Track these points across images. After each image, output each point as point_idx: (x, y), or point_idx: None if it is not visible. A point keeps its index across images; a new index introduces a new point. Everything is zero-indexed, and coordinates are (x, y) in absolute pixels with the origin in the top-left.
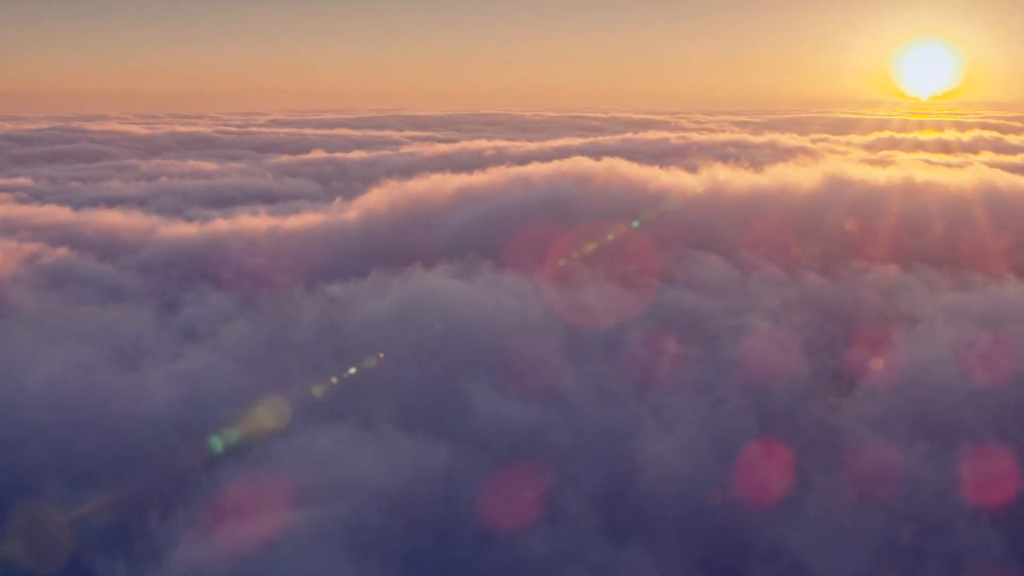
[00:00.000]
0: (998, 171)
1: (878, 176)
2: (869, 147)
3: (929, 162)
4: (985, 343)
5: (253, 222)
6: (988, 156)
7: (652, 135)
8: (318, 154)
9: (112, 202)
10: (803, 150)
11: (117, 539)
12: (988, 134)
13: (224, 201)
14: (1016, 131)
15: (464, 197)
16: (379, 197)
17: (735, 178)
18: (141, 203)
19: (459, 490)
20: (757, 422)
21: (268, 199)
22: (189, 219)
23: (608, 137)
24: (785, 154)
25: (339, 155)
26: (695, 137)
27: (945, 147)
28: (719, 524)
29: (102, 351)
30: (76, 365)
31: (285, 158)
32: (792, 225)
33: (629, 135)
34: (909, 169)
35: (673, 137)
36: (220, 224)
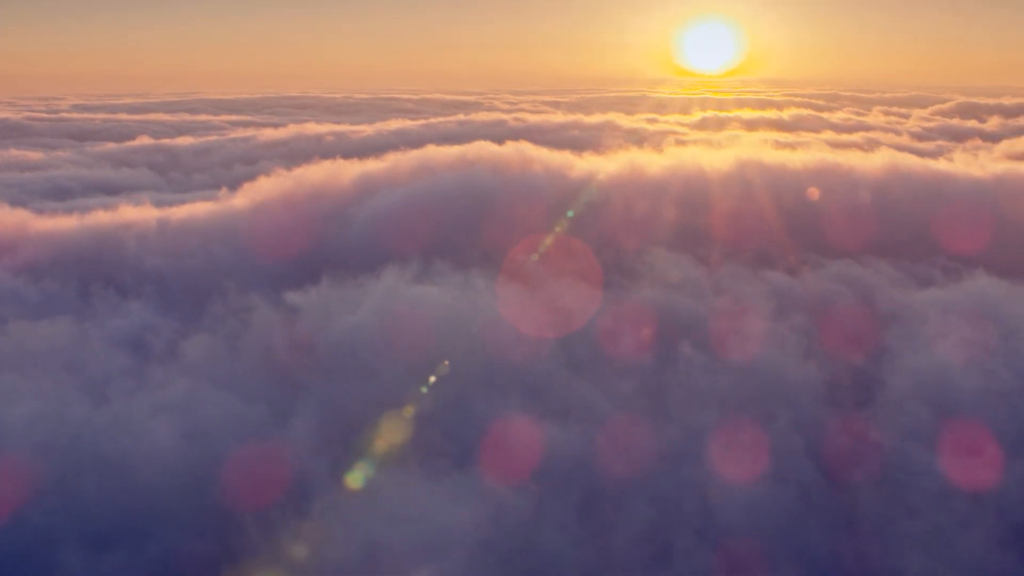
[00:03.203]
0: (906, 154)
1: (795, 161)
2: (700, 126)
3: (780, 143)
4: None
5: (137, 214)
6: (829, 135)
7: (484, 117)
8: (144, 141)
9: None
10: (644, 131)
11: None
12: (806, 112)
13: (64, 193)
14: (828, 109)
15: (371, 187)
16: (273, 188)
17: (651, 164)
18: None
19: (549, 533)
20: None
21: (109, 190)
22: (38, 213)
23: (441, 119)
24: (634, 135)
25: (166, 142)
26: (531, 119)
27: (778, 126)
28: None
29: (61, 379)
30: (44, 398)
31: (111, 146)
32: (735, 214)
33: (462, 117)
34: (821, 153)
35: (509, 119)
36: (102, 216)
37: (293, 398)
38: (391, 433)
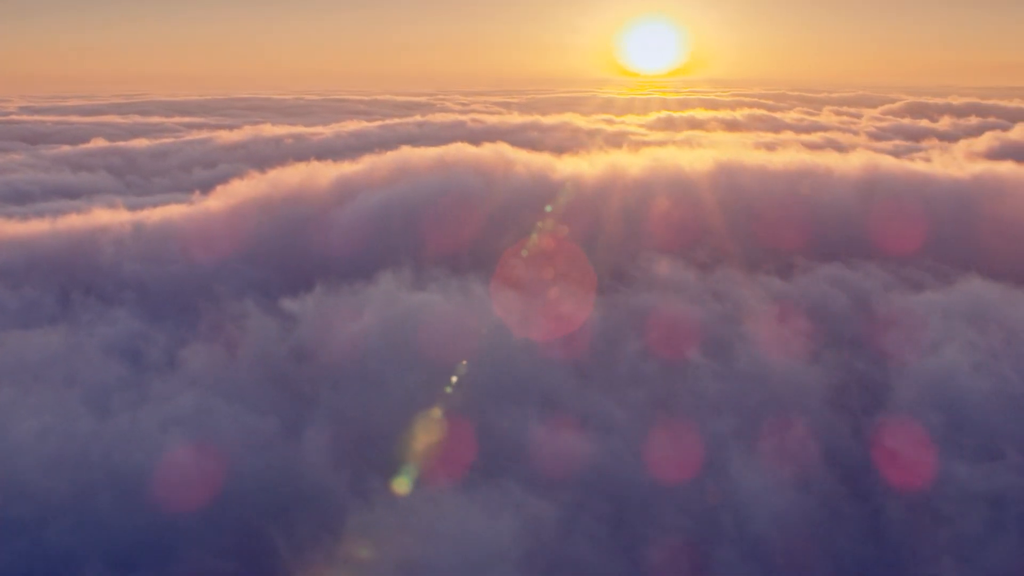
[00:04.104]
0: (885, 156)
1: (776, 163)
2: (657, 127)
3: (759, 144)
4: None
5: (111, 218)
6: (789, 135)
7: (442, 118)
8: (100, 143)
9: None
10: (603, 132)
11: None
12: (759, 112)
13: (23, 197)
14: (780, 109)
15: (351, 190)
16: (249, 190)
17: (632, 165)
18: None
19: (584, 545)
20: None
21: (69, 194)
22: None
23: (399, 121)
24: (594, 136)
25: (121, 144)
26: (490, 120)
27: (734, 126)
28: None
29: (62, 392)
30: (49, 413)
31: (66, 149)
32: (722, 217)
33: (419, 118)
34: (800, 155)
35: (467, 120)
36: (76, 220)
37: (304, 410)
38: (412, 445)
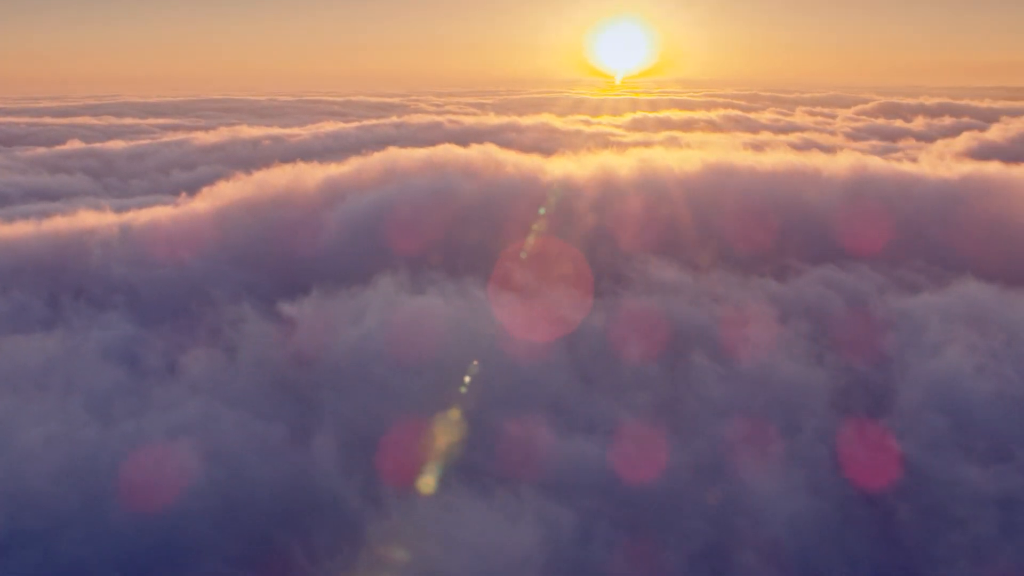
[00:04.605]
0: (872, 157)
1: (764, 164)
2: (633, 127)
3: (748, 144)
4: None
5: (97, 220)
6: (767, 136)
7: (419, 119)
8: (76, 145)
9: None
10: (582, 133)
11: None
12: (734, 112)
13: (1, 199)
14: (754, 110)
15: (341, 191)
16: (237, 192)
17: (621, 166)
18: None
19: (602, 553)
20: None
21: (47, 196)
22: None
23: (376, 122)
24: (573, 137)
25: (98, 146)
26: (467, 121)
27: (711, 127)
28: None
29: (62, 398)
30: (52, 420)
31: (42, 151)
32: (714, 218)
33: (395, 119)
34: (789, 156)
35: (444, 121)
36: (62, 223)
37: (310, 416)
38: (424, 451)
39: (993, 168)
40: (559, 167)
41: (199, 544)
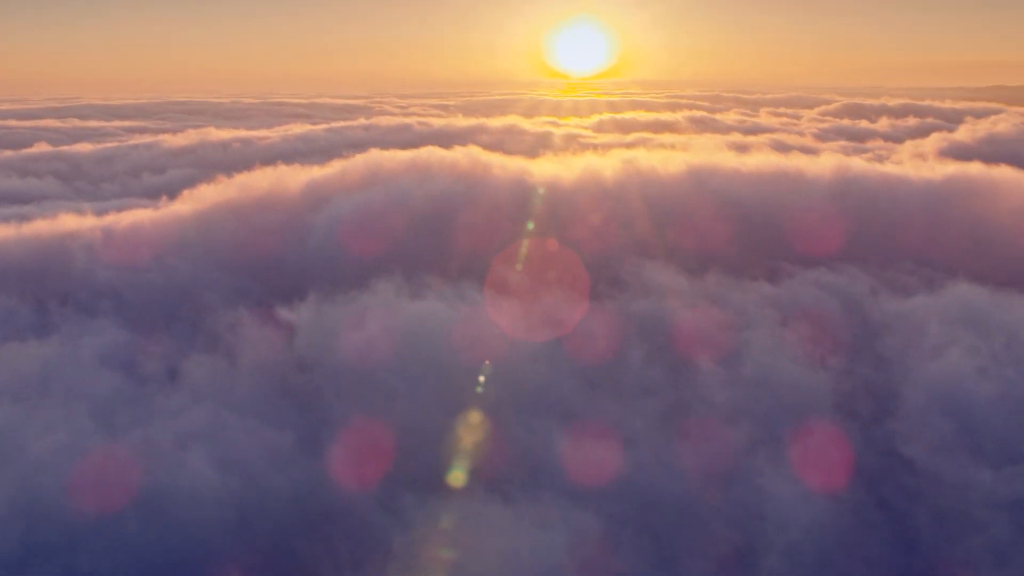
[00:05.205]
0: (855, 159)
1: (749, 166)
2: (601, 129)
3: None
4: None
5: (75, 223)
6: (737, 137)
7: (388, 121)
8: (43, 148)
9: None
10: (552, 135)
11: None
12: (699, 114)
13: None
14: (718, 111)
15: (326, 194)
16: (220, 195)
17: (607, 168)
18: None
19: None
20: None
21: (18, 200)
22: None
23: (344, 124)
24: (549, 138)
25: (65, 149)
26: (436, 123)
27: (677, 128)
28: None
29: (66, 406)
30: (59, 429)
31: (9, 154)
32: (704, 222)
33: (364, 121)
34: (773, 158)
35: (414, 123)
36: (43, 227)
37: (320, 423)
38: (440, 457)
39: (976, 169)
40: (546, 169)
41: (219, 555)
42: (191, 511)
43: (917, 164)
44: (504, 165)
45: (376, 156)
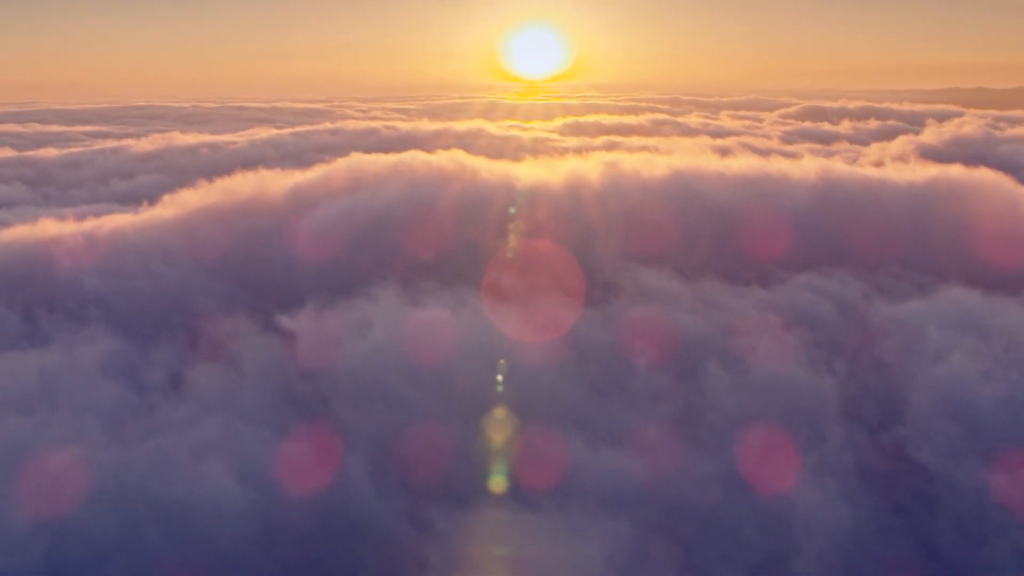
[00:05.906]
0: (836, 161)
1: (733, 170)
2: (567, 132)
3: (716, 148)
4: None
5: (60, 229)
6: (706, 140)
7: (354, 125)
8: (8, 153)
9: None
10: (519, 139)
11: None
12: (662, 116)
13: None
14: (680, 114)
15: (311, 199)
16: (203, 200)
17: (591, 171)
18: None
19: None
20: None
21: None
22: None
23: (310, 128)
24: (517, 142)
25: (30, 154)
26: (403, 127)
27: (643, 131)
28: None
29: (74, 417)
30: (71, 441)
31: None
32: (695, 225)
33: (329, 125)
34: (755, 162)
35: (380, 127)
36: (23, 232)
37: (332, 434)
38: (464, 468)
39: (957, 172)
40: (534, 173)
41: (247, 570)
42: (215, 524)
43: (898, 167)
44: (491, 169)
45: (358, 160)
